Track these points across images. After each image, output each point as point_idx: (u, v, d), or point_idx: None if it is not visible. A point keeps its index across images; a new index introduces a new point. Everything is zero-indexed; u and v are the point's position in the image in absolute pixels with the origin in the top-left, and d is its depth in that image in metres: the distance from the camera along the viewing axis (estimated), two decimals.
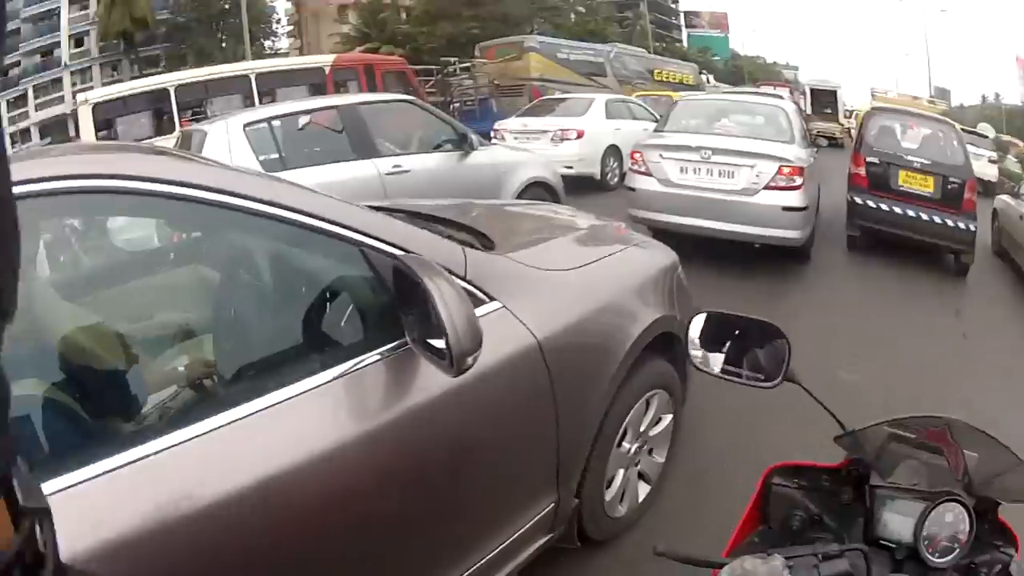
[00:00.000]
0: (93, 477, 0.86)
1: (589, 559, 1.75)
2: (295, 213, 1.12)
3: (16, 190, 0.42)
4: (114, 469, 0.87)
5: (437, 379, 1.15)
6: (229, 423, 0.99)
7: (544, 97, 11.59)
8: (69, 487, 0.83)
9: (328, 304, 1.26)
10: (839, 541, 0.82)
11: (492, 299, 1.35)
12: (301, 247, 1.22)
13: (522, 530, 1.41)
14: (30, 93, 20.83)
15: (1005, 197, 6.32)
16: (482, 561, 1.32)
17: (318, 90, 10.32)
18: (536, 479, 1.45)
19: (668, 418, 1.93)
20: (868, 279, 5.15)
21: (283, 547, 1.01)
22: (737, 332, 1.00)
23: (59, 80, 21.41)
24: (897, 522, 0.82)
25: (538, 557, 1.51)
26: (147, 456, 0.90)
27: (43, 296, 1.15)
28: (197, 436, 0.95)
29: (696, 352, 1.03)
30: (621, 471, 1.77)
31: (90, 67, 21.98)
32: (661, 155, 4.59)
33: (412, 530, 1.20)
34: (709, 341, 1.02)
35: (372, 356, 1.15)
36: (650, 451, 1.91)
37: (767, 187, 4.30)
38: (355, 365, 1.13)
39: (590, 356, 1.56)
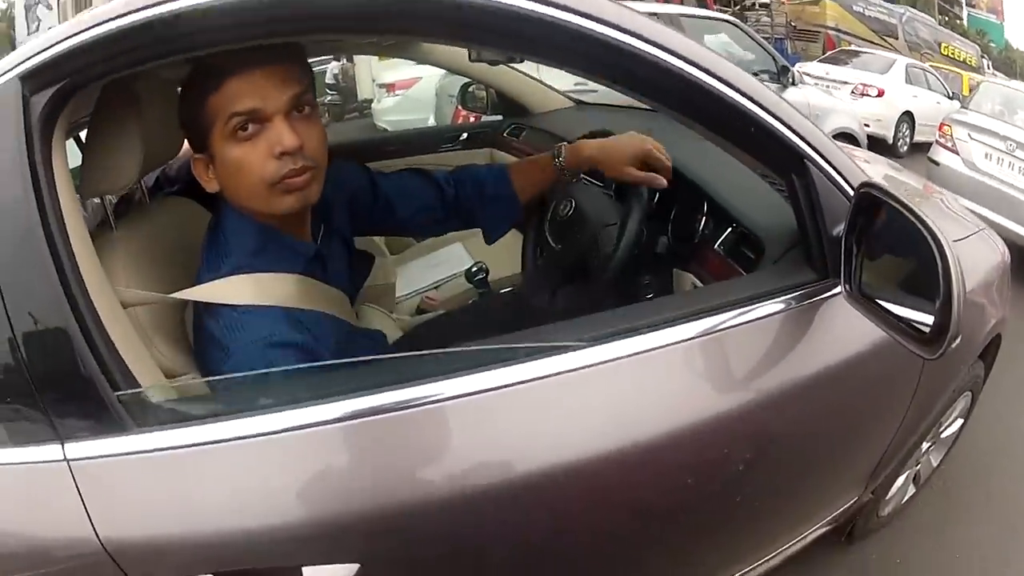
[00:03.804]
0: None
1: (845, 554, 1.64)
2: (737, 94, 0.82)
3: None
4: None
5: (827, 349, 0.91)
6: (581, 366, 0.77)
7: (841, 48, 10.90)
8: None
9: (714, 220, 1.05)
10: None
11: None
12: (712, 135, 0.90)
13: (816, 525, 1.26)
14: None
15: None
16: (769, 557, 1.20)
17: None
18: (856, 475, 1.26)
19: (960, 421, 1.72)
20: None
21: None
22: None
23: None
24: None
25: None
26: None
27: None
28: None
29: None
30: (909, 471, 1.61)
31: None
32: (969, 135, 4.15)
33: (725, 524, 1.01)
34: None
35: (767, 305, 0.87)
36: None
37: None
38: (740, 314, 0.85)
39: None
